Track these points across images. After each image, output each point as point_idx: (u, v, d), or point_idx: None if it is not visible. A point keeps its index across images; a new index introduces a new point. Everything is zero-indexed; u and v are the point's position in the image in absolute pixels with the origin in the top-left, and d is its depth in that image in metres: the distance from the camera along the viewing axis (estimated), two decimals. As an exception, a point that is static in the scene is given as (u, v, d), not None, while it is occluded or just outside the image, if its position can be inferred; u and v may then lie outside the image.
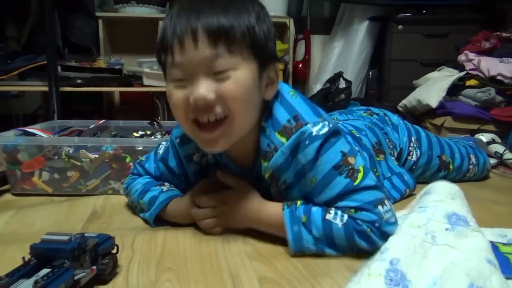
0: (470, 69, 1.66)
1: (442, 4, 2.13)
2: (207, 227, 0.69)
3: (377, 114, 1.03)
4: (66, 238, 0.50)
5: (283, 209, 0.63)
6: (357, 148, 0.79)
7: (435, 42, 2.09)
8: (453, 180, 1.04)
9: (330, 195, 0.61)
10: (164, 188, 0.77)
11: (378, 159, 0.89)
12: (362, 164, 0.62)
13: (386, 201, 0.60)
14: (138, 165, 0.83)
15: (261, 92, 0.63)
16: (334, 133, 0.62)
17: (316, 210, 0.61)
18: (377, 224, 0.58)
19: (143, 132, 1.15)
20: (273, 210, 0.65)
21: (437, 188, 0.63)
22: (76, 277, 0.48)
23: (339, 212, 0.60)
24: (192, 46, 0.57)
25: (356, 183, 0.60)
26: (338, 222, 0.59)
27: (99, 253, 0.53)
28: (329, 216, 0.60)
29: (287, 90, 0.67)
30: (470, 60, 1.67)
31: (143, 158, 0.85)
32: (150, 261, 0.60)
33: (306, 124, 0.61)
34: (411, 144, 1.00)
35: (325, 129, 0.61)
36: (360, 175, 0.61)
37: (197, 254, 0.62)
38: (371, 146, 0.88)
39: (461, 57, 1.72)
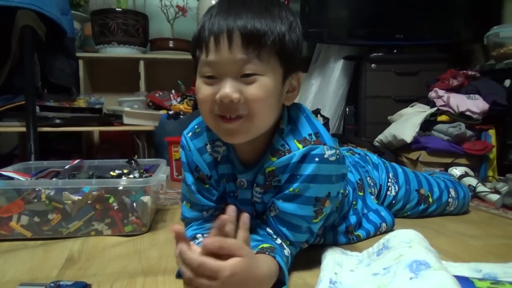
0: (440, 105, 1.73)
1: (412, 44, 2.25)
2: None
3: (359, 154, 1.09)
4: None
5: (273, 256, 0.62)
6: (344, 183, 0.86)
7: (406, 79, 2.19)
8: (434, 214, 1.09)
9: (294, 211, 0.68)
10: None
11: (359, 193, 0.93)
12: (327, 212, 0.71)
13: (308, 242, 0.74)
14: (183, 221, 0.82)
15: (282, 97, 0.67)
16: (343, 176, 0.71)
17: (280, 248, 0.67)
18: (295, 254, 0.72)
19: (120, 171, 1.14)
20: (266, 260, 0.61)
21: (393, 241, 0.68)
22: None
23: (284, 245, 0.69)
24: (226, 47, 0.60)
25: (314, 220, 0.70)
26: (289, 255, 0.68)
27: None
28: (286, 253, 0.68)
29: (310, 112, 0.74)
30: (440, 97, 1.75)
31: (182, 206, 0.81)
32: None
33: (324, 144, 0.67)
34: (389, 180, 1.05)
35: (334, 158, 0.67)
36: (320, 217, 0.70)
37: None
38: (355, 181, 0.93)
39: (431, 94, 1.81)
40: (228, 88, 0.61)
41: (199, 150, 0.76)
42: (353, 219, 0.88)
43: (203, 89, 0.64)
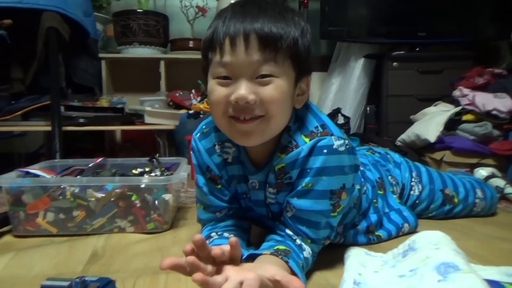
0: (465, 104, 1.69)
1: (436, 42, 2.20)
2: None
3: (379, 153, 1.07)
4: (66, 284, 0.50)
5: (285, 261, 0.62)
6: (362, 179, 0.86)
7: (430, 78, 2.14)
8: (460, 216, 1.06)
9: (311, 207, 0.67)
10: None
11: (380, 192, 0.92)
12: (345, 204, 0.70)
13: (330, 238, 0.72)
14: (199, 222, 0.83)
15: (293, 100, 0.68)
16: (356, 167, 0.70)
17: (298, 250, 0.66)
18: (318, 251, 0.71)
19: (142, 169, 1.15)
20: (278, 263, 0.61)
21: (419, 242, 0.66)
22: None
23: (304, 245, 0.68)
24: (243, 49, 0.61)
25: (332, 214, 0.69)
26: (309, 256, 0.67)
27: None
28: (306, 254, 0.67)
29: (316, 107, 0.74)
30: (464, 96, 1.70)
31: (197, 209, 0.82)
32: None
33: (331, 134, 0.67)
34: (413, 179, 1.02)
35: (343, 148, 0.66)
36: (338, 210, 0.69)
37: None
38: (374, 180, 0.92)
39: (456, 93, 1.76)
40: (243, 90, 0.61)
41: (208, 151, 0.76)
42: (373, 217, 0.87)
43: (217, 91, 0.64)
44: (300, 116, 0.71)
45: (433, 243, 0.64)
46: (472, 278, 0.52)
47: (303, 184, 0.67)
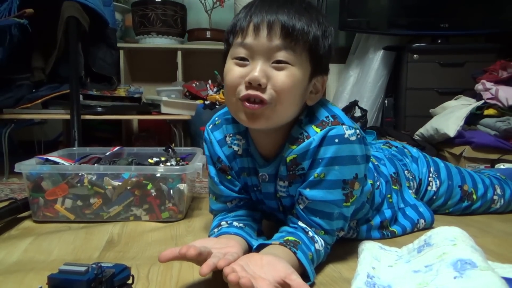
0: (487, 98, 1.64)
1: (458, 34, 2.14)
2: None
3: (396, 147, 1.05)
4: (83, 269, 0.50)
5: (294, 252, 0.62)
6: (375, 174, 0.84)
7: (451, 71, 2.09)
8: (478, 212, 1.04)
9: (324, 197, 0.67)
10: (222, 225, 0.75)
11: (394, 187, 0.90)
12: (358, 194, 0.70)
13: (343, 229, 0.71)
14: (211, 213, 0.84)
15: (305, 95, 0.68)
16: (367, 158, 0.69)
17: (309, 242, 0.66)
18: (332, 243, 0.71)
19: (158, 159, 1.17)
20: (284, 253, 0.62)
21: (435, 238, 0.65)
22: None
23: (316, 237, 0.68)
24: (265, 33, 0.63)
25: (345, 204, 0.68)
26: (321, 249, 0.67)
27: (115, 284, 0.53)
28: (318, 246, 0.67)
29: (328, 101, 0.74)
30: (487, 89, 1.66)
31: (209, 199, 0.84)
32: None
33: (342, 124, 0.67)
34: (430, 175, 1.01)
35: (354, 137, 0.66)
36: (351, 201, 0.69)
37: (212, 287, 0.61)
38: (388, 174, 0.90)
39: (478, 86, 1.71)
40: (258, 72, 0.62)
41: (219, 142, 0.77)
42: (388, 213, 0.86)
43: (233, 71, 0.66)
44: (311, 110, 0.71)
45: (450, 239, 0.62)
46: (489, 276, 0.51)
47: (315, 175, 0.66)
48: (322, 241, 0.68)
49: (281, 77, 0.63)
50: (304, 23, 0.63)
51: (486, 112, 1.64)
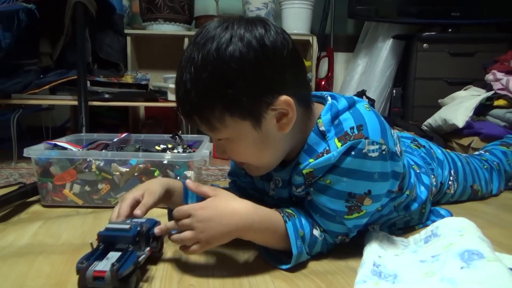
0: (498, 89, 1.62)
1: (469, 23, 2.10)
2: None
3: (424, 147, 1.00)
4: (127, 226, 0.59)
5: (285, 221, 0.62)
6: (415, 182, 0.79)
7: (461, 60, 2.06)
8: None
9: (325, 204, 0.64)
10: None
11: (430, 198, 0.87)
12: (369, 210, 0.66)
13: (347, 236, 0.69)
14: (229, 175, 0.88)
15: (272, 133, 0.63)
16: (395, 174, 0.67)
17: (305, 223, 0.65)
18: (332, 243, 0.69)
19: (165, 146, 1.17)
20: (270, 214, 0.63)
21: (443, 228, 0.65)
22: (139, 259, 0.56)
23: (318, 227, 0.67)
24: (196, 123, 0.63)
25: (346, 216, 0.65)
26: (318, 236, 0.66)
27: (150, 237, 0.62)
28: (315, 232, 0.66)
29: (362, 104, 0.67)
30: (498, 80, 1.63)
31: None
32: (172, 277, 0.60)
33: (366, 138, 0.61)
34: (451, 178, 0.99)
35: (376, 154, 0.62)
36: (355, 215, 0.65)
37: (220, 272, 0.62)
38: (429, 183, 0.86)
39: (489, 77, 1.69)
40: (216, 151, 0.69)
41: None
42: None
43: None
44: (338, 110, 0.65)
45: (457, 230, 0.62)
46: (496, 267, 0.51)
47: (322, 179, 0.64)
48: (323, 234, 0.66)
49: (233, 152, 0.65)
50: (205, 99, 0.58)
51: (496, 102, 1.63)
